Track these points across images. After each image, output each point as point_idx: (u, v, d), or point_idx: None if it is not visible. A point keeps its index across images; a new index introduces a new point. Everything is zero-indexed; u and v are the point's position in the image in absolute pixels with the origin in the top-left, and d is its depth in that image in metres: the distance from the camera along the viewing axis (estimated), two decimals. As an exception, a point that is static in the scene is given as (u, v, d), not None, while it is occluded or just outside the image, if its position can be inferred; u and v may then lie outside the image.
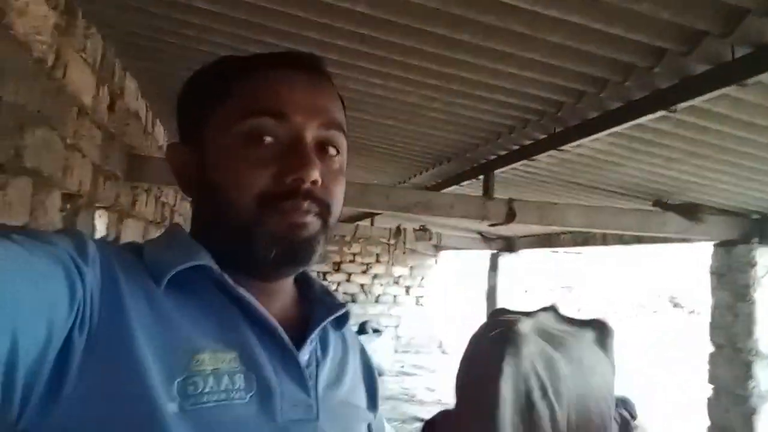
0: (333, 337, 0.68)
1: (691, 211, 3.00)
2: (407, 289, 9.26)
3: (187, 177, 0.63)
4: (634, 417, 3.18)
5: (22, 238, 0.46)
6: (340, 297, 8.04)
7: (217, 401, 0.50)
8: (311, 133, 0.59)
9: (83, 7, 1.66)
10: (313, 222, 0.58)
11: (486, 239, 7.06)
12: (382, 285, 9.11)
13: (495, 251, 7.08)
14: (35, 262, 0.44)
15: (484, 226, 5.69)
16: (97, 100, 1.95)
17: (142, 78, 2.38)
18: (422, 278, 9.32)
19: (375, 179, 3.95)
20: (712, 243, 3.39)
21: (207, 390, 0.50)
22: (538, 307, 2.58)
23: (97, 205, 2.10)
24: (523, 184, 3.31)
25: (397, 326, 9.06)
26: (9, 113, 1.31)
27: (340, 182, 0.62)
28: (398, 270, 9.08)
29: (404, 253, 8.39)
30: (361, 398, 0.70)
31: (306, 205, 0.57)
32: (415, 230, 6.85)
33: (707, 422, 3.38)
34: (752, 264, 3.16)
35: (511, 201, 2.91)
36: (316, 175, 0.57)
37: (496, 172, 2.88)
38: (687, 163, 2.38)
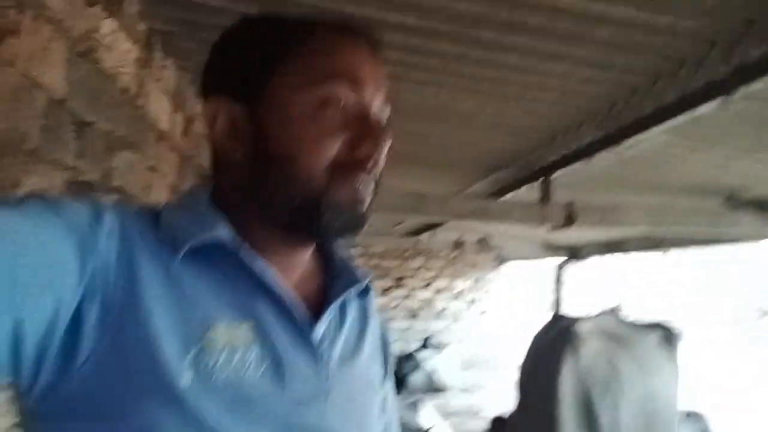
0: (354, 306, 0.67)
1: (764, 206, 2.86)
2: (470, 303, 9.16)
3: (236, 136, 0.58)
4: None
5: (37, 209, 0.46)
6: (402, 311, 8.01)
7: (229, 374, 0.50)
8: (376, 107, 0.59)
9: (161, 41, 1.83)
10: (370, 196, 0.59)
11: (550, 248, 6.92)
12: (444, 300, 9.06)
13: (560, 260, 6.92)
14: (46, 234, 0.44)
15: (547, 235, 5.60)
16: (173, 125, 2.13)
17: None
18: (485, 291, 9.21)
19: (432, 190, 4.00)
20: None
21: (220, 363, 0.50)
22: (601, 310, 2.55)
23: (173, 222, 2.27)
24: (583, 188, 3.26)
25: (460, 341, 8.96)
26: (100, 138, 1.47)
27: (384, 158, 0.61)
28: (460, 284, 9.02)
29: (465, 265, 8.34)
30: (376, 372, 0.69)
31: (371, 177, 0.58)
32: (476, 242, 6.82)
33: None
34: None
35: (570, 204, 2.88)
36: (385, 149, 0.58)
37: (554, 175, 2.86)
38: (755, 155, 2.30)
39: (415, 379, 7.03)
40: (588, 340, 1.86)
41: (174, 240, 0.53)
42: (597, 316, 2.35)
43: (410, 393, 6.67)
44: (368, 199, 0.59)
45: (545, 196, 2.90)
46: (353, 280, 0.65)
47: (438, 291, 9.03)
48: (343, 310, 0.65)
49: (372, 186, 0.59)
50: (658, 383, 2.04)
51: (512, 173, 3.17)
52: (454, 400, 6.92)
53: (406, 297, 8.90)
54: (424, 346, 7.79)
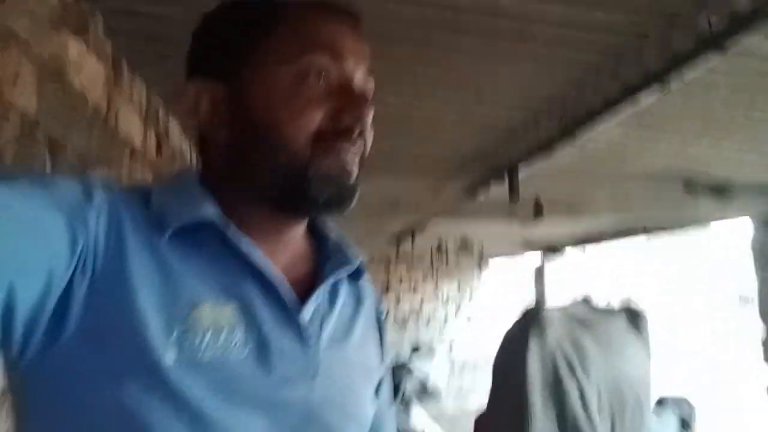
0: (345, 289, 0.66)
1: (720, 189, 3.00)
2: (457, 307, 9.25)
3: (219, 115, 0.59)
4: (691, 420, 3.12)
5: (28, 185, 0.46)
6: (391, 319, 8.01)
7: (213, 354, 0.50)
8: (358, 78, 0.59)
9: (128, 60, 1.90)
10: (357, 167, 0.59)
11: (528, 244, 7.06)
12: (431, 306, 9.14)
13: (539, 257, 7.06)
14: (37, 210, 0.45)
15: (524, 231, 5.71)
16: (145, 142, 2.19)
17: (183, 119, 2.63)
18: (470, 294, 9.31)
19: (407, 194, 4.10)
20: (752, 220, 3.35)
21: (204, 343, 0.50)
22: (571, 300, 2.64)
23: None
24: (549, 182, 3.38)
25: (450, 346, 9.04)
26: (75, 157, 1.53)
27: (372, 130, 0.61)
28: (446, 288, 9.11)
29: (447, 265, 8.42)
30: (369, 355, 0.68)
31: (357, 146, 0.58)
32: (457, 245, 6.93)
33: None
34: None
35: (537, 198, 2.99)
36: (370, 118, 0.58)
37: (521, 171, 2.97)
38: (703, 139, 2.42)
39: (408, 386, 7.08)
40: (553, 323, 1.95)
41: (162, 219, 0.53)
42: (567, 304, 2.44)
43: (404, 400, 6.72)
44: (355, 170, 0.59)
45: (514, 192, 3.01)
46: (344, 262, 0.65)
47: (425, 297, 9.11)
48: (335, 292, 0.64)
49: (358, 157, 0.59)
50: (626, 363, 2.12)
51: (481, 172, 3.28)
52: (447, 404, 6.97)
53: (395, 305, 8.96)
54: (415, 352, 7.85)
